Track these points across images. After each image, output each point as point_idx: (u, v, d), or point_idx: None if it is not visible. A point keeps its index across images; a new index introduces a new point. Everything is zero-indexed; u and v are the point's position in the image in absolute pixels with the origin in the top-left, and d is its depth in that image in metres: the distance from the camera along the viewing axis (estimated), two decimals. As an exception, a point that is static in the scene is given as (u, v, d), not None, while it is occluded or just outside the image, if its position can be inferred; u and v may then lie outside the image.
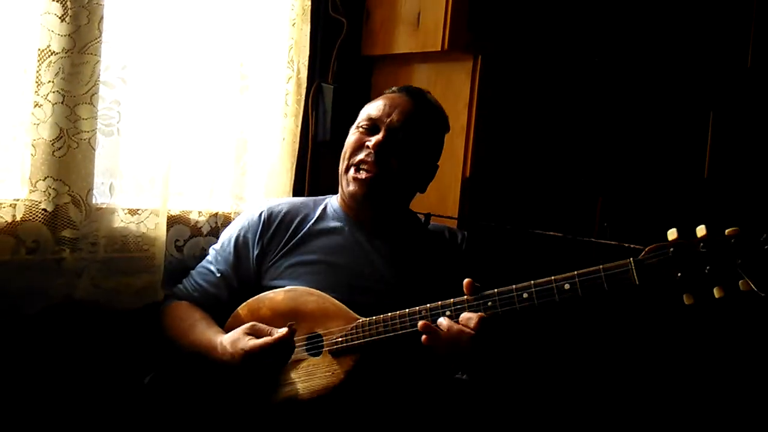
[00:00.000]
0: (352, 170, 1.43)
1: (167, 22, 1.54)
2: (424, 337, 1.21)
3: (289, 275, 1.42)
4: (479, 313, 1.19)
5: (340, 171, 1.48)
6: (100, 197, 1.47)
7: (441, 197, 1.80)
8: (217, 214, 1.70)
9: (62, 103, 1.38)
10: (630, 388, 1.87)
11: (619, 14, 1.90)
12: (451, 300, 1.23)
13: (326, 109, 1.92)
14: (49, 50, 1.37)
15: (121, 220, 1.51)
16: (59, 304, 1.41)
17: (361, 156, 1.42)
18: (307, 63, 1.83)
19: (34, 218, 1.38)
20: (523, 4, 1.81)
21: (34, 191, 1.38)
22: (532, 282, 1.15)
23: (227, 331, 1.35)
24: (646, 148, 1.91)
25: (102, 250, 1.47)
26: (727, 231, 0.97)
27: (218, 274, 1.47)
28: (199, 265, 1.52)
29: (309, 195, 1.93)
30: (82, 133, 1.41)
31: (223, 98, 1.71)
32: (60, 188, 1.39)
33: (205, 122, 1.69)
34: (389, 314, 1.28)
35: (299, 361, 1.33)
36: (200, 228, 1.67)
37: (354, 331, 1.30)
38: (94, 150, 1.43)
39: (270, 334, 1.27)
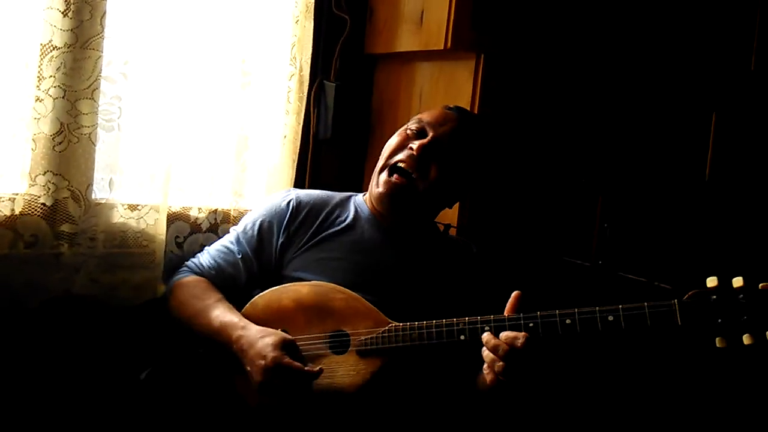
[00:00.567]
0: (385, 172, 1.42)
1: (170, 18, 1.54)
2: (486, 351, 1.19)
3: (313, 269, 1.40)
4: (524, 333, 1.18)
5: (375, 170, 1.46)
6: (99, 192, 1.47)
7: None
8: (216, 210, 1.70)
9: (63, 97, 1.38)
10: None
11: (623, 15, 1.90)
12: (491, 316, 1.22)
13: (328, 107, 1.92)
14: (51, 45, 1.37)
15: (120, 216, 1.51)
16: (58, 299, 1.41)
17: (400, 156, 1.41)
18: (309, 60, 1.83)
19: (33, 212, 1.38)
20: (527, 4, 1.81)
21: (33, 185, 1.38)
22: (576, 310, 1.16)
23: None
24: (648, 148, 1.91)
25: (101, 246, 1.46)
26: (761, 285, 1.07)
27: (239, 255, 1.44)
28: (217, 243, 1.49)
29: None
30: (82, 128, 1.41)
31: (225, 95, 1.71)
32: (59, 183, 1.39)
33: (206, 118, 1.69)
34: (424, 322, 1.26)
35: (320, 357, 1.31)
36: (200, 224, 1.67)
37: (386, 333, 1.28)
38: (95, 145, 1.43)
39: (303, 363, 1.24)
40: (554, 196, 1.88)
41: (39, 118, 1.37)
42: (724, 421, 1.84)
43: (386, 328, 1.29)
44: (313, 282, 1.37)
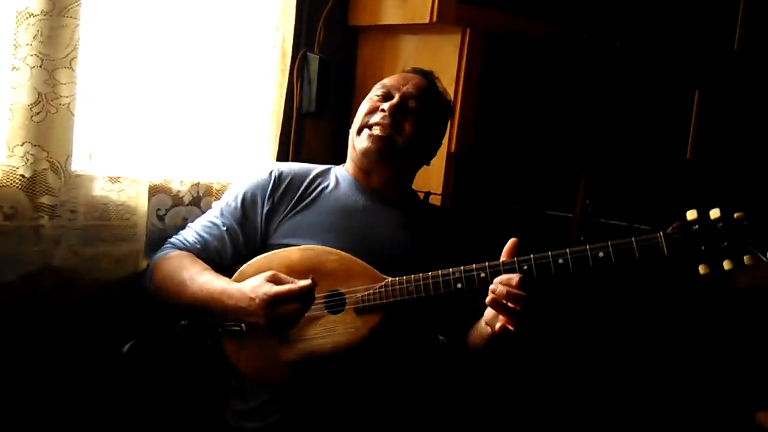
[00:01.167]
0: (364, 131, 1.47)
1: (150, -14, 1.51)
2: (490, 298, 1.21)
3: (301, 234, 1.42)
4: (518, 274, 1.21)
5: (351, 133, 1.51)
6: (79, 164, 1.45)
7: (426, 171, 1.79)
8: (198, 183, 1.68)
9: (41, 66, 1.35)
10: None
11: (608, -9, 1.89)
12: (486, 263, 1.25)
13: (311, 80, 1.90)
14: (27, 12, 1.33)
15: (101, 188, 1.49)
16: (37, 272, 1.39)
17: (375, 119, 1.46)
18: (292, 32, 1.80)
19: (11, 184, 1.36)
20: (513, -22, 1.79)
21: (11, 156, 1.36)
22: (567, 250, 1.20)
23: None
24: (631, 125, 1.92)
25: (81, 218, 1.45)
26: (735, 215, 1.14)
27: (223, 227, 1.44)
28: (200, 218, 1.49)
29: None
30: (61, 98, 1.38)
31: (207, 66, 1.69)
32: (38, 154, 1.37)
33: (188, 90, 1.66)
34: (420, 275, 1.29)
35: (317, 318, 1.32)
36: (182, 197, 1.66)
37: (382, 289, 1.31)
38: (73, 116, 1.41)
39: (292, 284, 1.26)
40: (537, 171, 1.89)
41: (16, 88, 1.34)
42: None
43: (382, 283, 1.31)
44: (303, 246, 1.38)
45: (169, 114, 1.63)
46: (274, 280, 1.26)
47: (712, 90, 1.95)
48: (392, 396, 1.38)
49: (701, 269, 1.16)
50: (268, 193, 1.46)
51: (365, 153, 1.46)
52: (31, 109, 1.35)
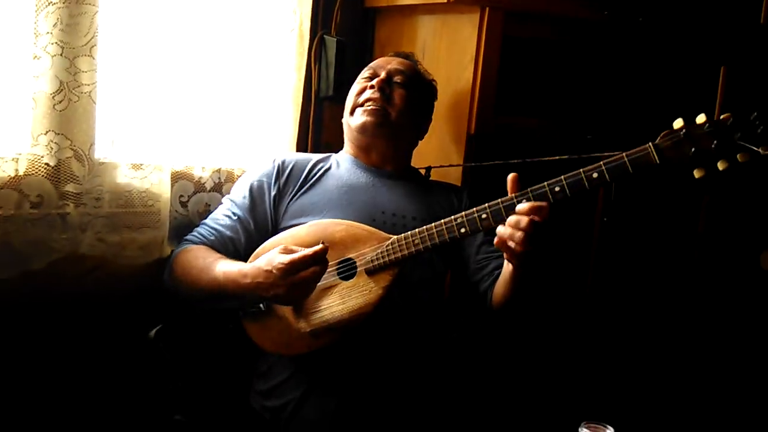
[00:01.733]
0: (358, 109, 1.54)
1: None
2: (497, 239, 1.22)
3: (308, 212, 1.46)
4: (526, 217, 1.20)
5: (345, 117, 1.58)
6: (102, 152, 1.46)
7: (445, 154, 1.78)
8: (220, 169, 1.69)
9: (62, 54, 1.36)
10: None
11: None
12: (486, 204, 1.26)
13: (329, 63, 1.89)
14: (47, 0, 1.33)
15: (124, 175, 1.50)
16: (64, 259, 1.41)
17: (365, 95, 1.53)
18: (309, 14, 1.79)
19: (36, 172, 1.37)
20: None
21: (36, 145, 1.37)
22: (562, 177, 1.21)
23: None
24: (655, 103, 1.89)
25: (106, 205, 1.46)
26: (721, 116, 1.15)
27: (235, 218, 1.48)
28: (212, 214, 1.53)
29: (312, 150, 1.92)
30: (82, 86, 1.38)
31: (226, 51, 1.68)
32: (62, 142, 1.38)
33: (207, 76, 1.66)
34: (424, 227, 1.31)
35: (332, 287, 1.35)
36: (204, 184, 1.66)
37: (390, 247, 1.33)
38: (95, 103, 1.41)
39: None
40: (559, 154, 1.87)
41: (38, 76, 1.35)
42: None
43: (389, 242, 1.34)
44: (309, 223, 1.41)
45: (190, 101, 1.63)
46: (287, 251, 1.28)
47: (739, 66, 1.91)
48: (406, 357, 1.42)
49: (696, 174, 1.16)
50: (273, 179, 1.51)
51: (361, 128, 1.52)
52: (53, 97, 1.36)
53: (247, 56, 1.71)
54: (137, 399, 1.53)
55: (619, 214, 1.86)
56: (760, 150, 1.11)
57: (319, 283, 1.30)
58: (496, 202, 1.26)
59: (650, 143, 1.18)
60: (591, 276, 1.89)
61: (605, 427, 1.10)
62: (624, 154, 1.18)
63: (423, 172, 1.69)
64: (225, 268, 1.35)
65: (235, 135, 1.72)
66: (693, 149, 1.15)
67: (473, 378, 1.71)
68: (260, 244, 1.43)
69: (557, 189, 1.21)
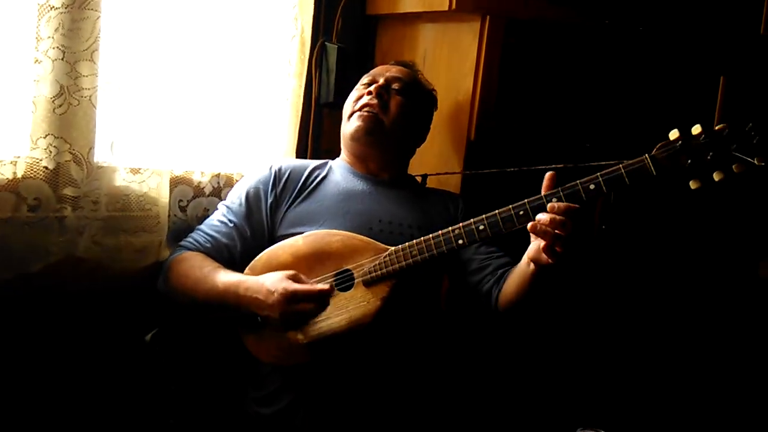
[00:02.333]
0: (353, 116, 1.53)
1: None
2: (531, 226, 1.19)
3: (305, 222, 1.45)
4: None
5: (342, 125, 1.57)
6: (101, 156, 1.46)
7: (445, 160, 1.78)
8: (219, 174, 1.69)
9: (62, 59, 1.36)
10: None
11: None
12: (483, 216, 1.26)
13: (330, 70, 1.90)
14: (49, 5, 1.34)
15: (123, 179, 1.50)
16: (61, 262, 1.41)
17: (362, 102, 1.53)
18: (311, 21, 1.80)
19: (35, 176, 1.38)
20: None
21: (35, 148, 1.37)
22: (560, 188, 1.21)
23: None
24: (654, 113, 1.89)
25: (104, 209, 1.46)
26: (717, 127, 1.15)
27: (231, 225, 1.48)
28: (207, 220, 1.52)
29: (312, 156, 1.92)
30: (82, 90, 1.39)
31: (227, 57, 1.69)
32: (61, 146, 1.38)
33: (208, 82, 1.66)
34: (421, 238, 1.31)
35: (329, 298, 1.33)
36: (203, 188, 1.66)
37: (388, 258, 1.33)
38: (95, 108, 1.42)
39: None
40: (558, 162, 1.87)
41: (38, 80, 1.36)
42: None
43: (386, 253, 1.33)
44: (306, 233, 1.41)
45: (190, 105, 1.63)
46: (294, 279, 1.29)
47: (738, 76, 1.91)
48: (403, 365, 1.42)
49: (692, 185, 1.16)
50: (270, 186, 1.50)
51: (354, 134, 1.52)
52: (53, 101, 1.36)
53: (247, 62, 1.72)
54: (131, 402, 1.52)
55: (618, 222, 1.85)
56: (755, 161, 1.11)
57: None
58: (493, 213, 1.26)
59: (646, 155, 1.18)
60: (588, 280, 1.89)
61: None
62: (621, 165, 1.18)
63: (419, 179, 1.68)
64: (224, 278, 1.35)
65: (235, 140, 1.73)
66: (689, 161, 1.15)
67: (469, 385, 1.70)
68: (257, 251, 1.43)
69: (554, 200, 1.20)
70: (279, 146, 1.79)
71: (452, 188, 1.71)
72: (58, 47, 1.35)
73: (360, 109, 1.52)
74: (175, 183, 1.61)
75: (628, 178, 1.17)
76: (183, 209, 1.64)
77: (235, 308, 1.33)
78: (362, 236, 1.38)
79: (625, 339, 1.94)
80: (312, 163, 1.59)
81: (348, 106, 1.57)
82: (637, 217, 1.90)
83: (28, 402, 1.46)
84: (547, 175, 1.23)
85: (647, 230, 1.93)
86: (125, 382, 1.53)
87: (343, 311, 1.32)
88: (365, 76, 1.61)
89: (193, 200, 1.65)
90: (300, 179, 1.52)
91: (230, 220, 1.48)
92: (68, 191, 1.40)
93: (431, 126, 1.68)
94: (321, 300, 1.27)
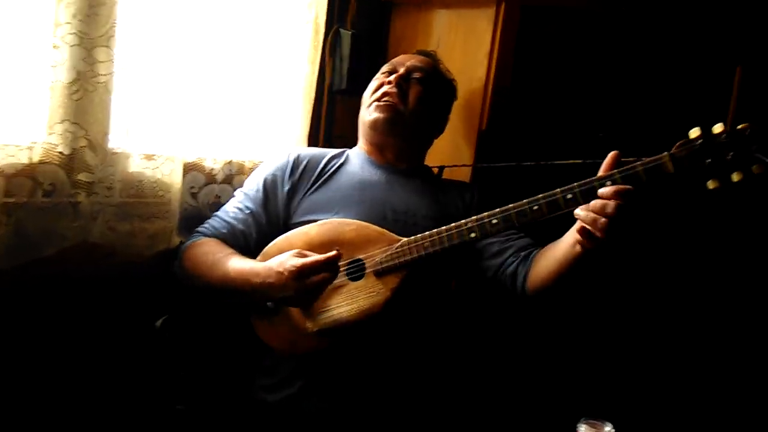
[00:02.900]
0: (372, 105, 1.54)
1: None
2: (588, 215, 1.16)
3: (321, 209, 1.45)
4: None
5: (361, 115, 1.58)
6: (116, 142, 1.47)
7: (456, 149, 1.78)
8: (231, 161, 1.69)
9: (79, 45, 1.36)
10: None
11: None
12: (497, 209, 1.26)
13: (343, 56, 1.89)
14: (66, -10, 1.34)
15: (136, 165, 1.51)
16: (74, 247, 1.42)
17: (382, 91, 1.53)
18: (325, 7, 1.79)
19: (51, 161, 1.38)
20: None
21: (51, 134, 1.38)
22: (575, 184, 1.19)
23: None
24: (669, 102, 1.87)
25: (118, 195, 1.47)
26: (739, 126, 1.12)
27: (247, 211, 1.49)
28: (224, 206, 1.53)
29: (324, 144, 1.92)
30: (99, 76, 1.39)
31: (240, 44, 1.68)
32: (77, 132, 1.39)
33: (221, 68, 1.66)
34: (434, 230, 1.31)
35: (340, 287, 1.35)
36: (215, 175, 1.67)
37: (398, 249, 1.33)
38: (111, 94, 1.42)
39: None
40: (572, 153, 1.86)
41: (56, 66, 1.36)
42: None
43: (398, 244, 1.33)
44: (320, 221, 1.41)
45: (202, 92, 1.63)
46: (300, 255, 1.29)
47: (754, 66, 1.89)
48: (409, 357, 1.43)
49: (710, 185, 1.14)
50: (288, 174, 1.51)
51: (374, 123, 1.52)
52: (69, 87, 1.37)
53: (261, 48, 1.72)
54: (141, 387, 1.54)
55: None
56: None
57: None
58: (506, 207, 1.25)
59: (667, 153, 1.15)
60: (591, 273, 1.89)
61: (604, 423, 1.10)
62: (639, 162, 1.16)
63: (435, 170, 1.68)
64: (237, 265, 1.35)
65: (247, 127, 1.73)
66: (709, 160, 1.12)
67: (473, 374, 1.71)
68: (272, 239, 1.43)
69: (569, 197, 1.19)
70: (291, 133, 1.79)
71: (463, 176, 1.71)
72: (75, 33, 1.35)
73: (380, 99, 1.52)
74: (188, 169, 1.62)
75: (645, 175, 1.15)
76: (194, 196, 1.65)
77: (249, 295, 1.34)
78: (376, 226, 1.38)
79: (632, 331, 1.93)
80: (330, 152, 1.59)
81: (367, 95, 1.57)
82: (648, 213, 1.89)
83: (39, 386, 1.48)
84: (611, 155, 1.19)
85: (658, 225, 1.91)
86: (134, 366, 1.55)
87: (353, 300, 1.33)
88: (386, 65, 1.61)
89: (204, 187, 1.66)
90: (317, 167, 1.53)
91: (247, 207, 1.49)
92: (83, 177, 1.41)
93: (448, 117, 1.67)
94: (331, 267, 1.27)
